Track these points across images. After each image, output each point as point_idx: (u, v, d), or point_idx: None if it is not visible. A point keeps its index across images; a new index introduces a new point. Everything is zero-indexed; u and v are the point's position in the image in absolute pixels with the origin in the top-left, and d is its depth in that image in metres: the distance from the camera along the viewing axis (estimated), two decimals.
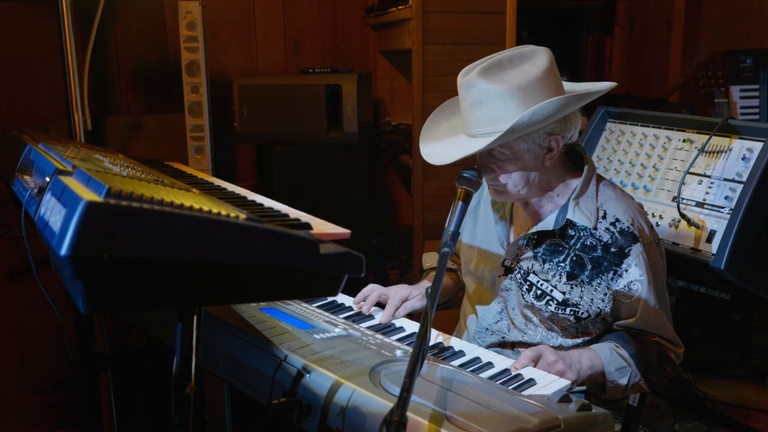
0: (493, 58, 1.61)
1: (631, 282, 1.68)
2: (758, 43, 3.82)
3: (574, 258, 1.70)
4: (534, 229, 1.74)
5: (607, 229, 1.69)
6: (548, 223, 1.72)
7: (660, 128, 2.46)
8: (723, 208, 2.13)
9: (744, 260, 2.07)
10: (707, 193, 2.20)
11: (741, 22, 3.96)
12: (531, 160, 1.65)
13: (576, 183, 1.73)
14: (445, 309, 2.13)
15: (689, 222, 2.20)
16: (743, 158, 2.14)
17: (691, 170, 2.27)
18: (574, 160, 1.78)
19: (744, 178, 2.11)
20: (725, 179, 2.17)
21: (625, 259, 1.67)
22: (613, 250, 1.68)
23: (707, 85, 3.63)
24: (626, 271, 1.68)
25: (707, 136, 2.26)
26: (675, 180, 2.32)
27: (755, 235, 2.09)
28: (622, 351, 1.67)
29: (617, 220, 1.70)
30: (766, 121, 3.62)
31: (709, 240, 2.13)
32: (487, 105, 1.57)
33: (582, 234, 1.71)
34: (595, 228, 1.69)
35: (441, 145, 1.70)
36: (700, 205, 2.21)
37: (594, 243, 1.69)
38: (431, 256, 2.14)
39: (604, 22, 4.14)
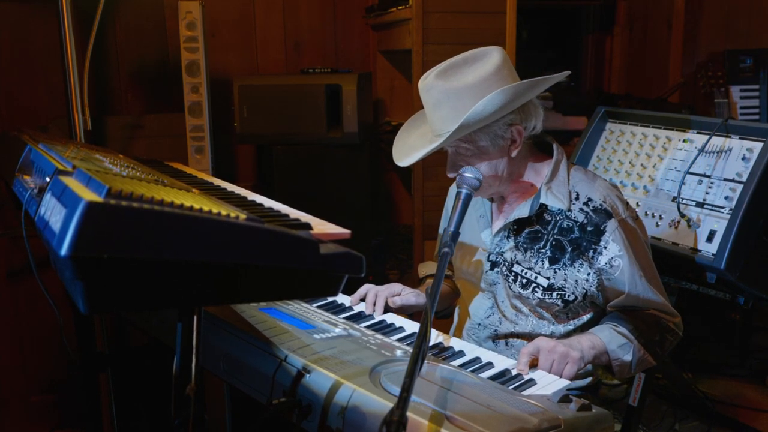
0: (449, 61, 1.69)
1: (612, 258, 1.70)
2: (758, 43, 3.83)
3: (554, 242, 1.73)
4: (511, 218, 1.78)
5: (581, 209, 1.72)
6: (523, 211, 1.76)
7: (660, 128, 2.46)
8: (723, 208, 2.14)
9: (744, 260, 2.07)
10: (707, 193, 2.20)
11: (741, 22, 3.96)
12: (496, 152, 1.70)
13: (547, 169, 1.76)
14: (445, 317, 2.13)
15: (689, 222, 2.20)
16: (743, 158, 2.14)
17: (691, 170, 2.27)
18: (544, 149, 1.82)
19: (744, 178, 2.11)
20: (725, 179, 2.17)
21: (602, 236, 1.70)
22: (589, 228, 1.71)
23: (707, 85, 3.64)
24: (605, 248, 1.70)
25: (707, 136, 2.26)
26: (675, 180, 2.32)
27: (755, 235, 2.09)
28: (620, 329, 1.69)
29: (590, 199, 1.73)
30: (766, 121, 3.62)
31: (709, 240, 2.13)
32: (447, 104, 1.64)
33: (558, 218, 1.74)
34: (570, 210, 1.73)
35: (411, 149, 1.78)
36: (700, 205, 2.21)
37: (570, 225, 1.72)
38: (427, 265, 2.16)
39: (604, 22, 4.14)
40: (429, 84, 1.66)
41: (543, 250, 1.74)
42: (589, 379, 1.81)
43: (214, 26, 3.28)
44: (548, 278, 1.73)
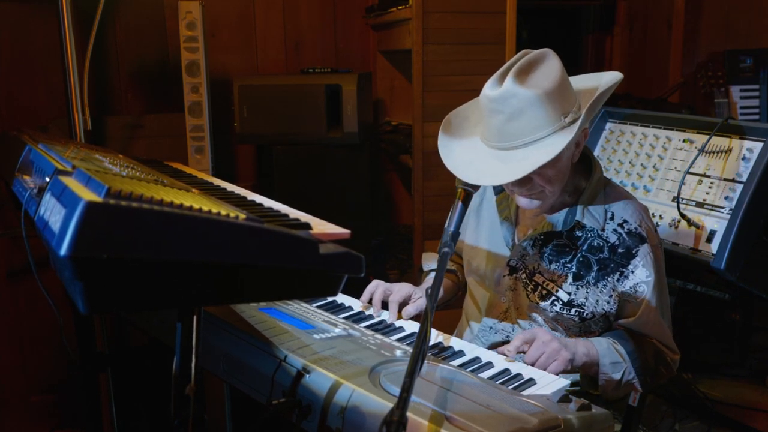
0: (516, 65, 1.56)
1: (638, 284, 1.69)
2: (758, 43, 3.83)
3: (581, 259, 1.71)
4: (541, 229, 1.74)
5: (615, 230, 1.70)
6: (556, 225, 1.72)
7: (660, 128, 2.46)
8: (723, 208, 2.13)
9: (744, 260, 2.07)
10: (707, 193, 2.20)
11: (741, 22, 3.96)
12: (566, 158, 1.65)
13: (584, 184, 1.74)
14: (445, 308, 2.12)
15: (689, 222, 2.20)
16: (743, 158, 2.14)
17: (691, 170, 2.27)
18: (581, 161, 1.78)
19: (744, 178, 2.11)
20: (725, 179, 2.17)
21: (632, 260, 1.68)
22: (620, 251, 1.68)
23: (707, 85, 3.63)
24: (632, 272, 1.68)
25: (707, 136, 2.26)
26: (675, 180, 2.32)
27: (755, 235, 2.09)
28: (619, 347, 1.68)
29: (625, 221, 1.70)
30: (766, 121, 3.62)
31: (709, 240, 2.13)
32: (530, 112, 1.53)
33: (589, 235, 1.71)
34: (603, 229, 1.70)
35: (481, 164, 1.61)
36: (700, 205, 2.21)
37: (601, 244, 1.70)
38: (430, 256, 2.14)
39: (604, 22, 4.14)
40: (509, 91, 1.52)
41: (569, 265, 1.72)
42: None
43: (214, 26, 3.28)
44: (569, 293, 1.71)
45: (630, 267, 1.68)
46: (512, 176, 1.55)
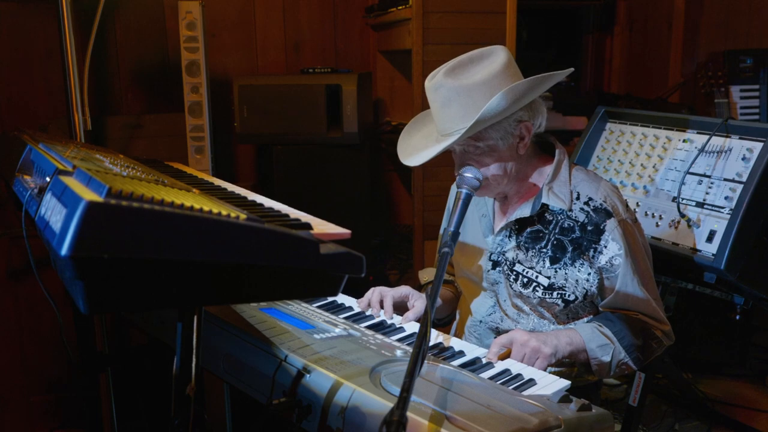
0: (456, 60, 1.68)
1: (613, 257, 1.71)
2: (758, 43, 3.83)
3: (555, 242, 1.74)
4: (512, 218, 1.79)
5: (582, 208, 1.74)
6: (525, 210, 1.77)
7: (660, 128, 2.46)
8: (723, 208, 2.14)
9: (744, 260, 2.07)
10: (707, 193, 2.20)
11: (741, 22, 3.96)
12: (506, 150, 1.71)
13: (549, 169, 1.78)
14: (447, 324, 2.11)
15: (689, 222, 2.20)
16: (743, 158, 2.14)
17: (691, 170, 2.27)
18: (547, 150, 1.84)
19: (744, 178, 2.11)
20: (725, 179, 2.17)
21: (602, 235, 1.71)
22: (589, 228, 1.72)
23: (707, 85, 3.63)
24: (605, 247, 1.71)
25: (707, 136, 2.27)
26: (675, 180, 2.32)
27: (755, 235, 2.09)
28: (604, 329, 1.71)
29: (590, 199, 1.74)
30: (766, 121, 3.62)
31: (709, 240, 2.13)
32: (457, 102, 1.64)
33: (559, 217, 1.75)
34: (571, 210, 1.74)
35: (417, 149, 1.78)
36: (700, 205, 2.21)
37: (571, 224, 1.73)
38: (428, 272, 2.16)
39: (604, 22, 4.14)
40: (438, 82, 1.66)
41: (544, 250, 1.75)
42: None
43: (214, 26, 3.28)
44: (549, 277, 1.74)
45: (602, 242, 1.71)
46: (428, 156, 1.67)
